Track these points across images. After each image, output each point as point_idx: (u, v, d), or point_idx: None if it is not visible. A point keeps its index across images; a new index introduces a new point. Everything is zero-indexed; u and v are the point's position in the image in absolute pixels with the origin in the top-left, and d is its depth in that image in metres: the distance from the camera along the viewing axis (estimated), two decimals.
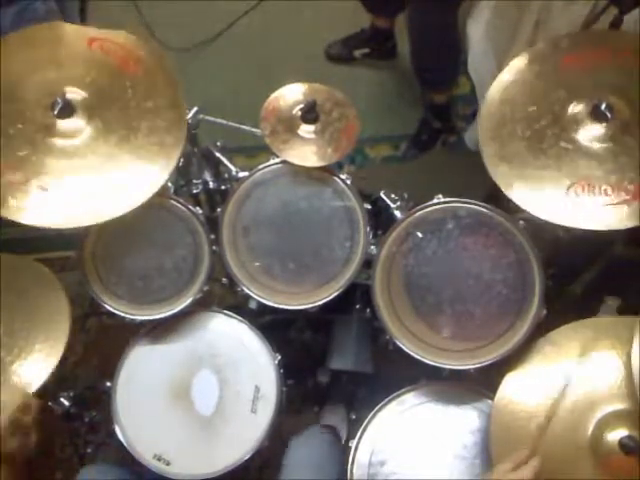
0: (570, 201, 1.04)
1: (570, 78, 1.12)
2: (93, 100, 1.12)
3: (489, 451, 1.06)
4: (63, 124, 1.10)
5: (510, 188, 1.06)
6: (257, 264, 1.26)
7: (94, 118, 1.11)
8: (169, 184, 1.31)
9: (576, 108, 1.09)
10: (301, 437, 1.23)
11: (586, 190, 1.04)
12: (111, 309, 1.23)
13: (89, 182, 1.09)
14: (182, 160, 1.47)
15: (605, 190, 1.04)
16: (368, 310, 1.40)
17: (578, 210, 1.03)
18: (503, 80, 1.14)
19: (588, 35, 1.24)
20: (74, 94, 1.11)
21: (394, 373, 1.26)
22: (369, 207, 1.27)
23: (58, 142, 1.10)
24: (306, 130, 1.23)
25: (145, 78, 1.15)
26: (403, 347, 1.15)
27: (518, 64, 1.15)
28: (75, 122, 1.10)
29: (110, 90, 1.13)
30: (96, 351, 1.73)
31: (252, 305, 1.33)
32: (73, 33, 1.17)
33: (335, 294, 1.22)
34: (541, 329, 1.12)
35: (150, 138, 1.12)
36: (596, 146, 1.06)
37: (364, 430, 1.15)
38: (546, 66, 1.14)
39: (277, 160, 1.25)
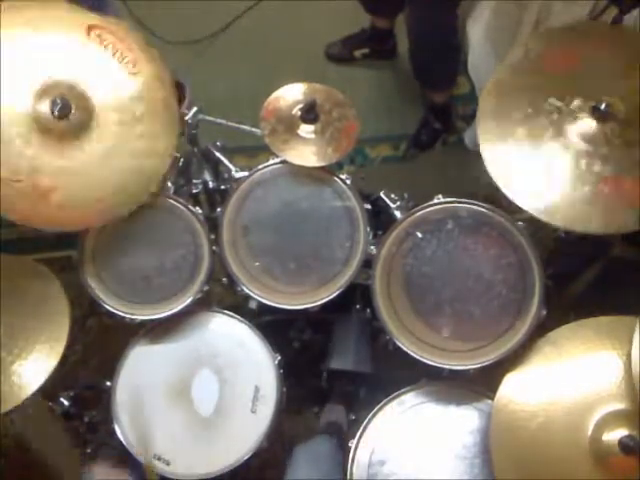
0: (576, 204, 1.04)
1: (556, 82, 1.12)
2: (90, 98, 1.11)
3: (489, 451, 1.06)
4: (60, 123, 1.09)
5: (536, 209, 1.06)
6: (257, 264, 1.26)
7: (92, 117, 1.11)
8: (169, 184, 1.31)
9: (574, 111, 1.09)
10: (306, 445, 1.22)
11: (593, 192, 1.04)
12: (111, 309, 1.23)
13: (85, 183, 1.09)
14: (182, 160, 1.47)
15: (609, 192, 1.04)
16: (368, 310, 1.40)
17: (581, 213, 1.04)
18: (489, 99, 1.13)
19: (558, 32, 1.23)
20: (71, 90, 1.10)
21: (394, 373, 1.26)
22: (369, 207, 1.27)
23: (55, 141, 1.09)
24: (306, 130, 1.23)
25: (141, 76, 1.14)
26: (403, 347, 1.15)
27: (497, 77, 1.15)
28: (73, 121, 1.10)
29: (108, 88, 1.12)
30: (96, 351, 1.73)
31: (252, 305, 1.33)
32: (71, 15, 1.14)
33: (335, 294, 1.22)
34: (541, 329, 1.12)
35: (147, 136, 1.12)
36: (600, 146, 1.07)
37: (364, 430, 1.15)
38: (526, 75, 1.14)
39: (277, 160, 1.25)
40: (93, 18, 1.14)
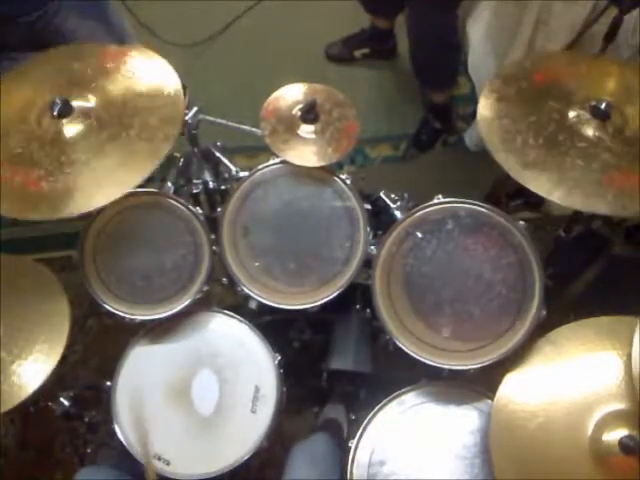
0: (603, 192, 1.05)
1: (550, 89, 1.13)
2: (93, 104, 1.14)
3: (489, 451, 1.06)
4: (59, 123, 1.11)
5: (551, 194, 1.05)
6: (257, 264, 1.26)
7: (91, 120, 1.12)
8: (169, 184, 1.31)
9: (574, 112, 1.10)
10: (303, 443, 1.22)
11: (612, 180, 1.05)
12: (111, 309, 1.23)
13: (76, 175, 1.10)
14: (182, 160, 1.47)
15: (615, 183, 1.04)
16: (368, 310, 1.40)
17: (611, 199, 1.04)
18: (487, 101, 1.14)
19: (544, 56, 1.25)
20: (77, 99, 1.13)
21: (394, 373, 1.26)
22: (369, 207, 1.27)
23: (51, 137, 1.11)
24: (306, 130, 1.23)
25: (148, 88, 1.16)
26: (403, 347, 1.15)
27: (493, 85, 1.16)
28: (72, 123, 1.11)
29: (111, 93, 1.14)
30: (96, 351, 1.73)
31: (252, 305, 1.33)
32: (90, 51, 1.21)
33: (335, 294, 1.22)
34: (541, 329, 1.12)
35: (141, 140, 1.12)
36: (606, 140, 1.07)
37: (364, 430, 1.15)
38: (521, 84, 1.15)
39: (277, 160, 1.25)
40: (111, 49, 1.21)
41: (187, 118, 1.35)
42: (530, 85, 1.14)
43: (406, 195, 1.41)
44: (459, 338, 1.16)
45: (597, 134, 1.08)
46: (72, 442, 1.62)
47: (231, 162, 1.44)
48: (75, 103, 1.12)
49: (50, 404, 1.32)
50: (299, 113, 1.24)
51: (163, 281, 1.25)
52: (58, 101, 1.09)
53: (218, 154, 1.47)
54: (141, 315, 1.24)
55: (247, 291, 1.25)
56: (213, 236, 1.25)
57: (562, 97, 1.12)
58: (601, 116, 1.08)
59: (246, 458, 1.16)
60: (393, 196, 1.40)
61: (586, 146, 1.07)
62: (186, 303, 1.24)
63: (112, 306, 1.23)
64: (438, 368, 1.14)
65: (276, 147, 1.23)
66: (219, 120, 1.44)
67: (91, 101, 1.14)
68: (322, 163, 1.22)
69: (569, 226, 1.37)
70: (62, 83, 1.16)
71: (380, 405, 1.17)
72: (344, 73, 2.27)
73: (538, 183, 1.05)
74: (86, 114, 1.12)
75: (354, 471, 1.12)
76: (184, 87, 1.17)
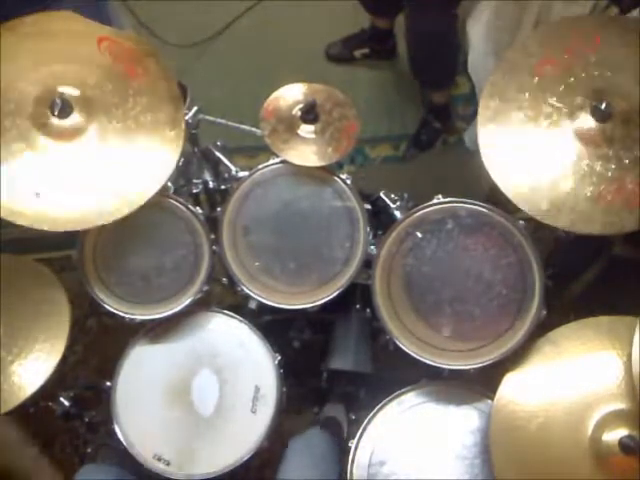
0: (578, 206, 1.04)
1: (552, 83, 1.11)
2: (93, 102, 1.12)
3: (489, 451, 1.06)
4: (59, 123, 1.10)
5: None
6: (257, 264, 1.26)
7: (92, 121, 1.11)
8: (169, 184, 1.31)
9: (574, 112, 1.09)
10: (300, 437, 1.23)
11: (595, 193, 1.04)
12: (111, 309, 1.23)
13: (81, 184, 1.09)
14: (182, 160, 1.47)
15: (611, 193, 1.04)
16: (368, 310, 1.40)
17: (582, 215, 1.04)
18: (490, 105, 1.13)
19: (556, 29, 1.19)
20: (73, 94, 1.11)
21: (394, 373, 1.26)
22: (369, 207, 1.27)
23: (53, 141, 1.10)
24: (306, 130, 1.23)
25: (149, 89, 1.15)
26: (403, 347, 1.15)
27: (495, 80, 1.14)
28: (72, 123, 1.10)
29: (112, 95, 1.13)
30: (96, 351, 1.73)
31: (252, 305, 1.33)
32: (84, 28, 1.17)
33: (335, 294, 1.22)
34: (541, 329, 1.12)
35: (145, 149, 1.12)
36: (601, 146, 1.07)
37: (364, 430, 1.15)
38: (522, 77, 1.13)
39: (277, 160, 1.25)
40: (104, 29, 1.17)
41: (187, 118, 1.35)
42: (535, 78, 1.12)
43: (406, 195, 1.41)
44: (459, 338, 1.16)
45: (594, 137, 1.07)
46: (72, 442, 1.62)
47: (231, 162, 1.44)
48: (74, 103, 1.11)
49: (50, 404, 1.32)
50: (299, 113, 1.24)
51: (163, 281, 1.25)
52: (58, 101, 1.08)
53: (218, 154, 1.47)
54: (141, 315, 1.24)
55: (247, 291, 1.25)
56: (213, 236, 1.24)
57: (565, 92, 1.10)
58: (600, 117, 1.07)
59: (246, 458, 1.16)
60: (393, 196, 1.40)
61: (578, 155, 1.06)
62: (186, 303, 1.24)
63: (112, 306, 1.23)
64: (438, 368, 1.14)
65: (276, 147, 1.23)
66: (219, 120, 1.44)
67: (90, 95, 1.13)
68: (322, 163, 1.22)
69: None
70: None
71: (380, 405, 1.17)
72: (344, 73, 2.27)
73: (524, 199, 1.06)
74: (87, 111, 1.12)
75: (354, 471, 1.12)
76: (184, 87, 1.17)
